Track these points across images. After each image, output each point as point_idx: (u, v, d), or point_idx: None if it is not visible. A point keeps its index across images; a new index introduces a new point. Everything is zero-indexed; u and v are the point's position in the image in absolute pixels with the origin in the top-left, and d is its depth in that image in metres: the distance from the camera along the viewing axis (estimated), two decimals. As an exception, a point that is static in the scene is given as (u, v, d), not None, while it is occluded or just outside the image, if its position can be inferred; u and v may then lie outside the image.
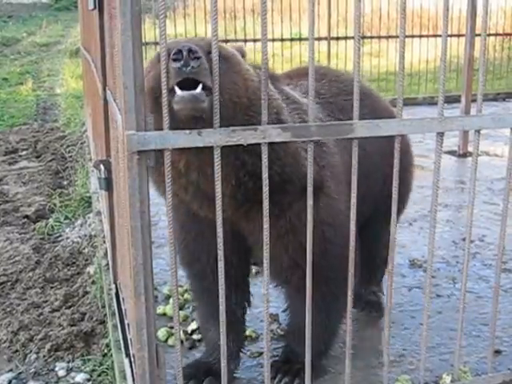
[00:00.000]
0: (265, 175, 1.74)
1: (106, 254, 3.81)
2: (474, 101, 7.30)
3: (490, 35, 10.66)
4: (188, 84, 1.82)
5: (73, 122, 8.55)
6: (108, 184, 2.83)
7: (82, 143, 7.11)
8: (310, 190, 1.82)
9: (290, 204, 2.23)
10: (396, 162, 1.91)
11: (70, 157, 6.81)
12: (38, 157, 7.05)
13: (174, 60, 1.81)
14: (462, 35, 9.27)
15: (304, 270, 1.92)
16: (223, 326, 1.84)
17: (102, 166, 2.80)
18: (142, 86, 1.63)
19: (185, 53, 1.81)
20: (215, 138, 1.69)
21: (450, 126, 1.97)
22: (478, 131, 2.03)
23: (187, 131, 1.67)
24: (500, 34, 11.06)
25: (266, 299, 1.89)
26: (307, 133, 1.77)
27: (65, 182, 6.11)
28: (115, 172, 2.48)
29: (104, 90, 2.77)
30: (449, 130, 1.98)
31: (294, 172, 2.15)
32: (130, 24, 1.57)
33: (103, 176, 2.83)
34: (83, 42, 6.72)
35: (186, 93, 1.81)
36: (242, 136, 1.70)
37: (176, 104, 1.82)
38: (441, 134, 1.96)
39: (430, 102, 8.96)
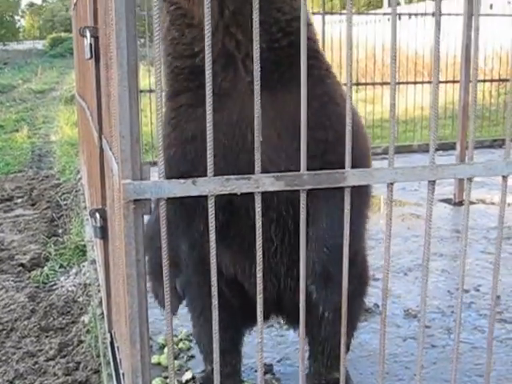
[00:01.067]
0: (258, 224, 1.78)
1: (100, 302, 3.83)
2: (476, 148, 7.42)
3: (485, 81, 10.86)
4: None
5: (68, 169, 8.67)
6: (103, 232, 2.87)
7: (76, 191, 7.20)
8: (302, 235, 1.86)
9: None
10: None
11: (65, 205, 6.88)
12: (33, 204, 7.15)
13: None
14: (457, 81, 9.45)
15: None
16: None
17: (97, 215, 2.84)
18: (138, 136, 1.69)
19: None
20: (209, 187, 1.73)
21: (441, 174, 2.02)
22: (469, 179, 2.08)
23: (182, 180, 1.72)
24: (494, 80, 11.24)
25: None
26: (300, 181, 1.81)
27: (60, 230, 6.17)
28: (110, 221, 2.53)
29: (100, 138, 2.83)
30: (440, 178, 2.02)
31: None
32: (127, 75, 1.63)
33: (98, 225, 2.87)
34: (78, 90, 6.83)
35: None
36: (236, 185, 1.75)
37: None
38: (432, 182, 2.00)
39: (425, 149, 9.03)
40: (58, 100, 19.54)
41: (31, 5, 79.95)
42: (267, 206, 2.18)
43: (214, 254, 1.75)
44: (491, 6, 12.15)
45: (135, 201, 1.69)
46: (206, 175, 1.71)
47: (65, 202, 6.97)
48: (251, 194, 1.72)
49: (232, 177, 1.75)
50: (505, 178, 2.16)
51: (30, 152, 10.92)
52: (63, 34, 55.95)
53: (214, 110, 1.66)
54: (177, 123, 2.15)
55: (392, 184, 1.96)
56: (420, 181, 2.04)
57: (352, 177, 1.87)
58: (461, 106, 5.89)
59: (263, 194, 1.77)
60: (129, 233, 1.71)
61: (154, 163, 2.26)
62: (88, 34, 2.76)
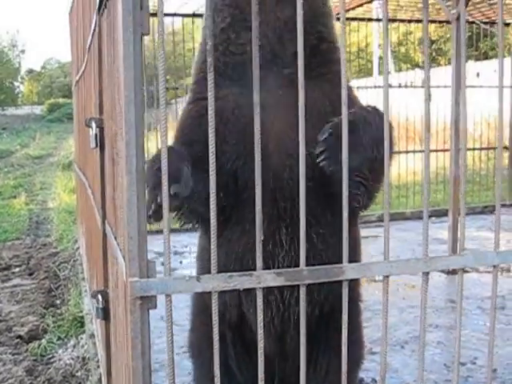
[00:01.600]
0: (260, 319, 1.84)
1: (100, 379, 3.83)
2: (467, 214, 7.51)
3: (474, 149, 11.06)
4: None
5: (65, 238, 8.70)
6: (105, 314, 2.91)
7: (74, 261, 7.23)
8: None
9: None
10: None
11: (63, 275, 6.90)
12: (30, 274, 7.15)
13: None
14: (447, 150, 9.62)
15: None
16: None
17: (99, 297, 2.89)
18: (145, 235, 1.76)
19: None
20: (213, 283, 1.80)
21: (434, 266, 2.09)
22: (461, 269, 2.15)
23: (186, 277, 1.79)
24: (483, 148, 11.43)
25: None
26: (300, 277, 1.89)
27: (58, 301, 6.17)
28: (113, 303, 2.58)
29: (103, 223, 2.91)
30: (433, 269, 2.10)
31: None
32: (136, 181, 1.72)
33: (101, 306, 2.92)
34: (78, 162, 6.93)
35: None
36: (239, 281, 1.82)
37: None
38: (426, 274, 2.08)
39: (418, 216, 9.17)
40: (56, 166, 19.73)
41: (30, 71, 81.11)
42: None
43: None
44: (478, 75, 12.45)
45: (141, 297, 1.76)
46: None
47: (63, 273, 6.98)
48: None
49: (235, 274, 1.83)
50: (495, 267, 2.24)
51: (27, 219, 10.97)
52: (61, 100, 56.73)
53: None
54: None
55: (387, 277, 2.04)
56: (414, 273, 2.11)
57: (350, 271, 1.95)
58: (451, 177, 6.00)
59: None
60: (135, 327, 1.77)
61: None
62: (94, 125, 2.86)
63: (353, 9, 8.77)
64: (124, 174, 1.73)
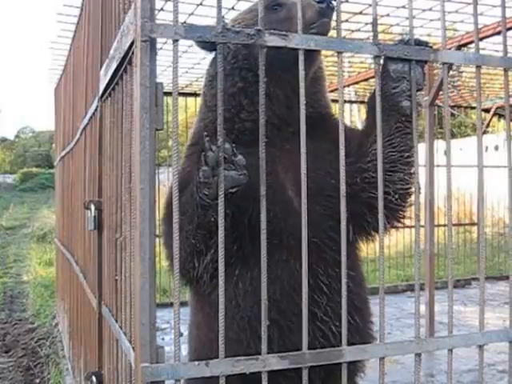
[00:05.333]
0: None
1: None
2: (438, 288, 7.63)
3: (445, 226, 11.25)
4: None
5: (42, 313, 8.57)
6: (98, 395, 2.92)
7: (53, 337, 7.10)
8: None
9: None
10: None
11: (42, 352, 6.76)
12: (7, 351, 6.95)
13: (319, 1, 2.34)
14: (422, 226, 9.77)
15: None
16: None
17: (94, 378, 2.90)
18: (155, 321, 1.83)
19: None
20: (221, 368, 1.86)
21: (426, 347, 2.18)
22: (450, 350, 2.24)
23: (196, 362, 1.85)
24: (455, 225, 11.66)
25: None
26: (302, 360, 1.96)
27: (37, 380, 6.01)
28: (108, 384, 2.60)
29: (99, 304, 2.94)
30: (425, 351, 2.18)
31: None
32: (148, 268, 1.79)
33: (94, 386, 2.93)
34: (61, 237, 6.92)
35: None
36: (245, 365, 1.88)
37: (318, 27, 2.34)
38: (418, 355, 2.16)
39: (394, 290, 9.27)
40: (30, 238, 19.50)
41: (4, 140, 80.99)
42: None
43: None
44: (445, 152, 12.80)
45: (152, 382, 1.80)
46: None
47: (42, 350, 6.84)
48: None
49: (241, 358, 1.89)
50: (481, 347, 2.34)
51: (1, 293, 10.76)
52: (34, 169, 56.52)
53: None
54: None
55: (383, 358, 2.12)
56: (408, 354, 2.19)
57: (349, 353, 2.03)
58: (427, 255, 6.14)
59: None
60: (145, 410, 1.80)
61: (171, 304, 2.42)
62: (92, 207, 2.94)
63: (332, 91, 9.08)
64: (137, 262, 1.80)
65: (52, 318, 8.06)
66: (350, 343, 2.06)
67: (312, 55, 2.42)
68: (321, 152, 2.48)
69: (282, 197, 2.45)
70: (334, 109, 2.94)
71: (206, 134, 2.09)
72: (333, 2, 2.35)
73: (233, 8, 5.53)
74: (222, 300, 1.88)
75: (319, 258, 2.45)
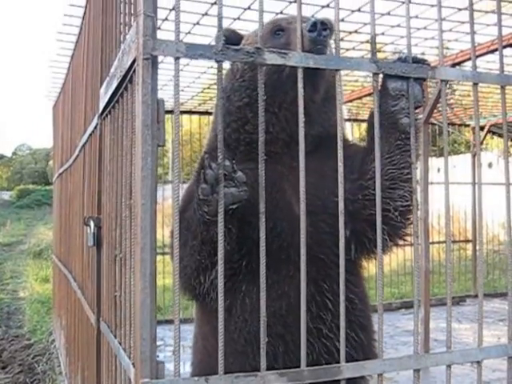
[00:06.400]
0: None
1: None
2: (432, 306, 7.62)
3: (439, 243, 11.29)
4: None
5: (39, 329, 8.52)
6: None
7: (50, 354, 7.06)
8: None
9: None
10: None
11: (39, 368, 6.72)
12: (4, 368, 6.91)
13: (310, 31, 2.33)
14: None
15: None
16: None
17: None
18: (155, 337, 1.82)
19: (319, 25, 2.34)
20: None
21: (424, 363, 2.17)
22: (448, 366, 2.23)
23: (196, 378, 1.84)
24: (456, 242, 11.66)
25: None
26: (301, 377, 1.95)
27: (35, 396, 6.01)
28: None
29: (98, 320, 2.93)
30: (424, 366, 2.17)
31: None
32: (149, 284, 1.79)
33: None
34: (58, 253, 6.91)
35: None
36: (244, 382, 1.87)
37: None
38: (417, 371, 2.15)
39: (388, 308, 9.24)
40: (26, 254, 19.42)
41: (1, 157, 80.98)
42: None
43: None
44: (438, 170, 12.83)
45: (153, 398, 1.79)
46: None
47: (39, 366, 6.79)
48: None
49: (241, 374, 1.88)
50: (479, 363, 2.33)
51: (-3, 309, 10.75)
52: (31, 186, 56.49)
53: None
54: None
55: (381, 374, 2.11)
56: (406, 369, 2.19)
57: (347, 370, 2.02)
58: (422, 272, 6.14)
59: None
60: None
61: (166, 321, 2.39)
62: (92, 224, 2.93)
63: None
64: (138, 278, 1.79)
65: (49, 335, 8.02)
66: (353, 360, 2.06)
67: (320, 74, 2.45)
68: (327, 171, 2.49)
69: (288, 214, 2.48)
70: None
71: (205, 151, 2.11)
72: (323, 32, 2.38)
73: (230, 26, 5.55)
74: (221, 317, 1.87)
75: (325, 274, 2.47)
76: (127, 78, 2.08)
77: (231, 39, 2.71)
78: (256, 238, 2.24)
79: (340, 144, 1.99)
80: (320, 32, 2.37)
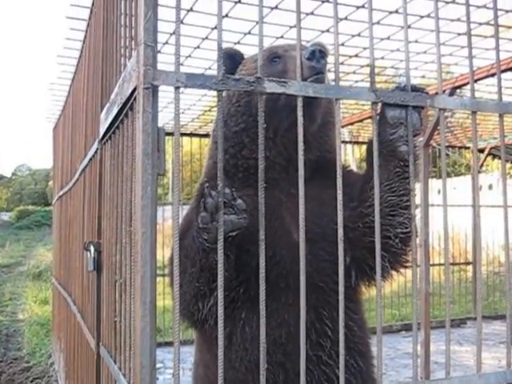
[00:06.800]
0: None
1: None
2: (433, 328, 7.59)
3: (440, 265, 11.26)
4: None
5: (38, 352, 8.48)
6: None
7: (49, 377, 7.03)
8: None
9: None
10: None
11: (37, 391, 6.70)
12: (2, 391, 6.93)
13: (309, 59, 2.38)
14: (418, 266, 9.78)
15: None
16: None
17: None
18: (154, 364, 1.82)
19: (317, 53, 2.39)
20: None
21: (426, 391, 2.17)
22: (450, 393, 2.23)
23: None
24: (451, 264, 11.64)
25: None
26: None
27: (33, 420, 5.98)
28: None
29: (97, 345, 2.93)
30: (425, 394, 2.17)
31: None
32: (149, 311, 1.79)
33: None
34: (58, 276, 6.90)
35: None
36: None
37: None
38: (418, 398, 2.15)
39: (389, 330, 9.22)
40: (26, 276, 19.38)
41: (1, 177, 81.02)
42: None
43: None
44: (439, 191, 12.85)
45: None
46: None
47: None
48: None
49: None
50: (480, 391, 2.33)
51: (-4, 331, 10.70)
52: (31, 207, 56.47)
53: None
54: None
55: (381, 402, 2.11)
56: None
57: (347, 398, 2.02)
58: (423, 295, 6.13)
59: None
60: None
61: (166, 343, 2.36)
62: (92, 249, 2.94)
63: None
64: (138, 306, 1.80)
65: (48, 357, 7.98)
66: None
67: (318, 101, 2.48)
68: (326, 198, 2.50)
69: (287, 241, 2.49)
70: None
71: (206, 180, 2.12)
72: (321, 60, 2.42)
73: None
74: (221, 346, 1.87)
75: (324, 301, 2.48)
76: (128, 105, 2.10)
77: (235, 58, 2.75)
78: (255, 265, 2.24)
79: (339, 172, 2.00)
80: (318, 60, 2.40)
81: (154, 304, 1.82)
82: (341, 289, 2.04)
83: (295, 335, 2.41)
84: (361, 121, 8.56)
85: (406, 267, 2.59)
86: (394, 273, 2.58)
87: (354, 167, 3.00)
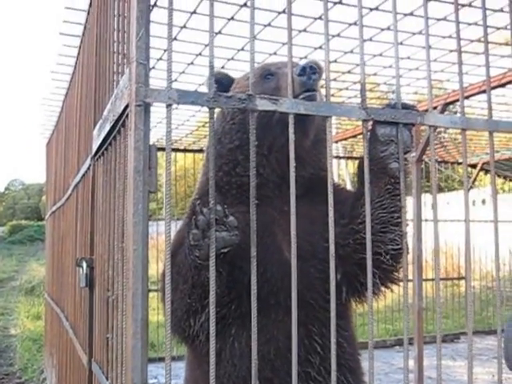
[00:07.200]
0: None
1: None
2: (426, 343, 7.58)
3: (433, 280, 11.25)
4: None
5: (30, 367, 8.43)
6: None
7: (41, 393, 7.00)
8: None
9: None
10: None
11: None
12: (-6, 407, 6.88)
13: (300, 75, 2.39)
14: (410, 280, 9.79)
15: None
16: None
17: None
18: (146, 381, 1.82)
19: (308, 70, 2.40)
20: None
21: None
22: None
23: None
24: (442, 279, 11.68)
25: None
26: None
27: None
28: None
29: (89, 361, 2.92)
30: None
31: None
32: (141, 329, 1.79)
33: None
34: (50, 291, 6.88)
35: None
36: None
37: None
38: (409, 415, 2.15)
39: (383, 345, 9.20)
40: (18, 291, 19.28)
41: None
42: None
43: None
44: (432, 206, 12.90)
45: None
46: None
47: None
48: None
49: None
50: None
51: (-12, 347, 10.63)
52: (23, 222, 56.23)
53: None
54: None
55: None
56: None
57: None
58: (415, 310, 6.13)
59: None
60: None
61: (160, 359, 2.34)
62: (84, 265, 2.94)
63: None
64: (130, 323, 1.80)
65: (40, 373, 7.94)
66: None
67: (310, 119, 2.50)
68: (317, 216, 2.50)
69: (279, 258, 2.49)
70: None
71: (197, 197, 2.12)
72: (312, 76, 2.43)
73: (223, 67, 5.63)
74: (212, 362, 1.87)
75: (314, 318, 2.48)
76: (120, 122, 2.11)
77: (223, 83, 2.75)
78: (246, 281, 2.24)
79: (330, 189, 2.01)
80: (309, 76, 2.42)
81: (146, 321, 1.82)
82: (332, 305, 2.05)
83: (284, 351, 2.41)
84: (354, 136, 8.59)
85: (396, 284, 2.59)
86: (384, 289, 2.58)
87: (348, 181, 2.99)
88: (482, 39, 2.49)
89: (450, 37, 5.14)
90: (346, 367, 2.55)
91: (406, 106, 2.16)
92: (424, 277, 7.62)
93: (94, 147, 2.85)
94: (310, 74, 2.43)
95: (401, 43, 5.18)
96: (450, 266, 13.67)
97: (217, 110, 2.60)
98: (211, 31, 1.93)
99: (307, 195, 2.53)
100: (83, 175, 3.47)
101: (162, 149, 2.34)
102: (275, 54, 5.36)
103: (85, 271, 2.94)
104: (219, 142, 2.65)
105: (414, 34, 5.12)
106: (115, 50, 2.40)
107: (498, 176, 13.56)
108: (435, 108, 5.96)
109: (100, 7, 3.10)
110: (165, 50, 5.18)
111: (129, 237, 1.84)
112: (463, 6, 4.41)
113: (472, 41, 5.26)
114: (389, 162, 2.30)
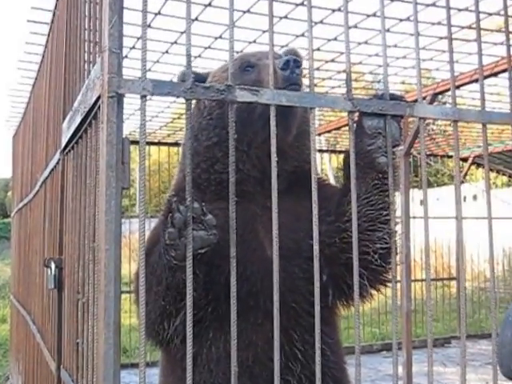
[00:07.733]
0: None
1: None
2: (416, 348, 7.61)
3: (423, 280, 11.31)
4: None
5: (-6, 374, 8.38)
6: None
7: (6, 401, 6.95)
8: None
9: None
10: None
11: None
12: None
13: (283, 69, 2.40)
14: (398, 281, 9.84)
15: None
16: None
17: None
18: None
19: (291, 63, 2.41)
20: None
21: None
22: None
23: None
24: (433, 280, 11.71)
25: None
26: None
27: None
28: None
29: (58, 368, 2.90)
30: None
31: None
32: (113, 334, 1.79)
33: None
34: (16, 293, 6.84)
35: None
36: None
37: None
38: (397, 423, 2.16)
39: (369, 350, 9.24)
40: (-17, 293, 19.10)
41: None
42: None
43: None
44: (421, 203, 12.99)
45: None
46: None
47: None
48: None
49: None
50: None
51: (-50, 352, 10.51)
52: (-7, 221, 55.71)
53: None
54: None
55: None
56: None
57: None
58: (404, 312, 6.17)
59: None
60: None
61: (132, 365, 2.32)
62: (53, 265, 2.92)
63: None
64: (101, 327, 1.79)
65: (5, 380, 7.88)
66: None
67: (293, 110, 2.46)
68: (302, 212, 2.49)
69: (260, 256, 2.47)
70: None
71: (174, 193, 2.10)
72: (296, 70, 2.43)
73: (199, 56, 5.63)
74: (189, 369, 1.87)
75: (295, 323, 2.46)
76: (91, 114, 2.09)
77: (198, 80, 2.72)
78: (224, 282, 2.23)
79: (314, 185, 2.01)
80: (293, 70, 2.41)
81: (118, 325, 1.81)
82: (316, 308, 2.04)
83: (262, 357, 2.40)
84: (338, 128, 8.61)
85: (385, 286, 2.57)
86: (373, 291, 2.56)
87: (331, 176, 2.99)
88: (474, 25, 2.48)
89: (439, 23, 5.17)
90: (330, 376, 2.52)
91: (394, 97, 2.15)
92: (412, 277, 7.66)
93: (64, 141, 2.82)
94: (293, 67, 2.42)
95: (388, 30, 5.19)
96: (440, 266, 13.72)
97: (193, 104, 2.59)
98: (188, 18, 1.92)
99: (292, 190, 2.52)
100: (52, 170, 3.45)
101: (136, 142, 2.34)
102: (255, 42, 5.36)
103: (53, 272, 2.92)
104: (196, 138, 2.61)
105: (401, 20, 5.14)
106: (86, 37, 2.38)
107: (491, 170, 13.66)
108: (424, 98, 5.99)
109: (70, -9, 3.07)
110: (138, 38, 5.17)
111: (100, 236, 1.82)
112: (454, -9, 4.42)
113: (463, 27, 5.29)
114: (376, 156, 2.29)
